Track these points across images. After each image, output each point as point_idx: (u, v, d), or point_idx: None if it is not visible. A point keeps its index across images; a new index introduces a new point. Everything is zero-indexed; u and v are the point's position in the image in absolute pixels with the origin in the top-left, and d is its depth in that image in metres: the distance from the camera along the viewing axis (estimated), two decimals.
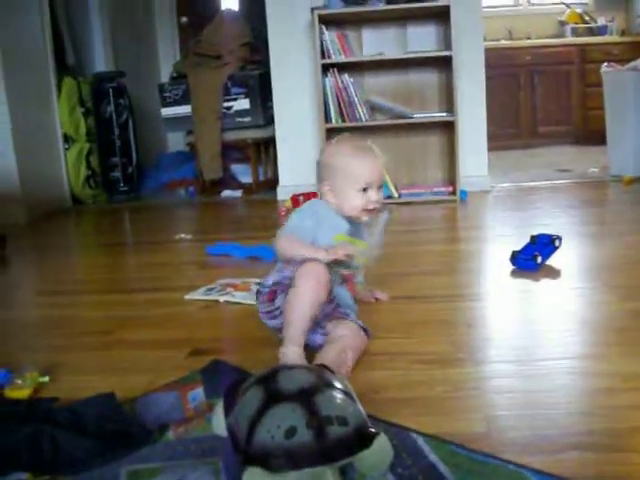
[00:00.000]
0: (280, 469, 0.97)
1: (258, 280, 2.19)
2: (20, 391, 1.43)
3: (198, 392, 1.30)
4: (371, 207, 1.67)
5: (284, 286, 1.55)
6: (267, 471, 0.97)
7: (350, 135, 1.80)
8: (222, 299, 2.07)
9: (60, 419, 1.22)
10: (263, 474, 0.97)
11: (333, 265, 1.56)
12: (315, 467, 0.97)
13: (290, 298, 1.50)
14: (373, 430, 1.02)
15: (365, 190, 1.65)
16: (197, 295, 2.15)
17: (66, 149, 4.64)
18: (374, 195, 1.66)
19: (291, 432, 0.98)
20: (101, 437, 1.18)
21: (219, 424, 1.14)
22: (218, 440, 1.14)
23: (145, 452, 1.16)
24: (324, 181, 1.68)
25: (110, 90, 4.84)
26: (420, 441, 1.13)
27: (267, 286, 1.60)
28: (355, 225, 1.71)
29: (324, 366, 1.16)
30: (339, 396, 1.04)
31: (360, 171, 1.64)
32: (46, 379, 1.51)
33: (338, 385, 1.07)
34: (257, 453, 0.99)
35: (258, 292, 1.65)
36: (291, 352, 1.44)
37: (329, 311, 1.58)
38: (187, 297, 2.15)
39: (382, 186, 1.70)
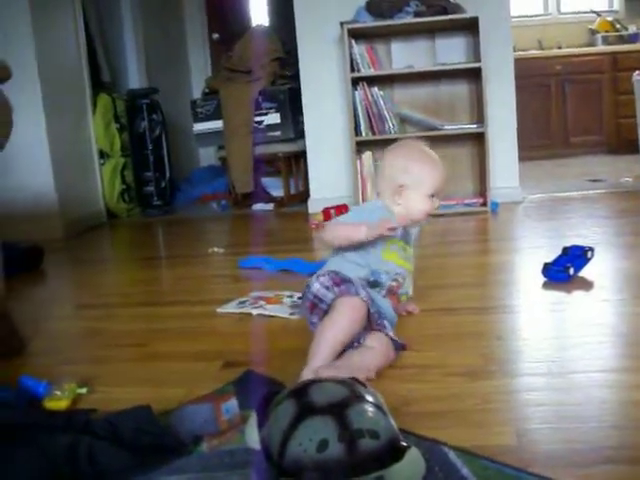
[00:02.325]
0: None
1: (289, 293, 2.23)
2: (59, 402, 1.47)
3: (232, 404, 1.32)
4: (432, 212, 1.79)
5: (321, 308, 1.61)
6: None
7: (419, 141, 1.89)
8: (255, 312, 2.10)
9: (97, 430, 1.25)
10: None
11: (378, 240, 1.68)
12: None
13: (325, 326, 1.53)
14: (405, 444, 1.03)
15: (432, 196, 1.75)
16: (230, 308, 2.18)
17: (101, 164, 4.73)
18: (437, 202, 1.78)
19: (323, 445, 0.99)
20: (137, 449, 1.20)
21: (252, 436, 1.16)
22: (251, 452, 1.16)
23: (180, 464, 1.17)
24: (396, 181, 1.75)
25: (144, 106, 4.93)
26: (452, 455, 1.13)
27: (311, 292, 1.64)
28: (406, 231, 1.83)
29: (356, 379, 1.17)
30: (371, 409, 1.06)
31: (433, 178, 1.75)
32: (84, 390, 1.54)
33: (370, 398, 1.09)
34: (289, 466, 1.01)
35: (304, 296, 1.69)
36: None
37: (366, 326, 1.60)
38: (220, 310, 2.18)
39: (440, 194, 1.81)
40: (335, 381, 1.15)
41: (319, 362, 1.46)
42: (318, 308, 1.62)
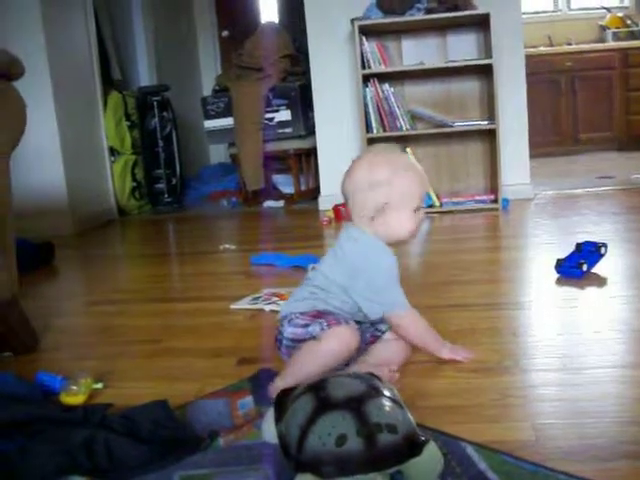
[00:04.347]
0: (331, 476, 0.99)
1: None
2: (75, 397, 1.47)
3: (247, 400, 1.32)
4: (418, 229, 1.51)
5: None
6: (318, 478, 0.99)
7: (391, 146, 1.58)
8: (268, 308, 2.10)
9: (114, 426, 1.26)
10: None
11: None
12: (365, 474, 0.98)
13: (310, 350, 1.40)
14: (423, 438, 1.03)
15: (417, 209, 1.48)
16: (243, 304, 2.19)
17: (112, 162, 4.75)
18: (422, 213, 1.50)
19: (342, 440, 0.99)
20: (154, 443, 1.21)
21: (269, 431, 1.16)
22: (267, 447, 1.17)
23: (197, 458, 1.18)
24: (378, 198, 1.45)
25: (154, 103, 4.94)
26: (469, 449, 1.13)
27: (289, 339, 1.47)
28: None
29: (373, 374, 1.17)
30: (388, 404, 1.06)
31: (416, 188, 1.46)
32: (100, 385, 1.55)
33: (387, 393, 1.09)
34: (308, 460, 1.01)
35: (279, 341, 1.52)
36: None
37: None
38: (233, 306, 2.18)
39: None
40: (352, 376, 1.15)
41: (290, 382, 1.33)
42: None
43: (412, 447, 1.01)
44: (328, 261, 1.55)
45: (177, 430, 1.26)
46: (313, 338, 1.41)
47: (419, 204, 1.48)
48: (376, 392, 1.07)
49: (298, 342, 1.44)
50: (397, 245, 1.53)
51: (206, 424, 1.28)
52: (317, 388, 1.10)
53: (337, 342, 1.39)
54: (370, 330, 1.57)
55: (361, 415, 1.01)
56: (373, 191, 1.45)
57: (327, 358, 1.39)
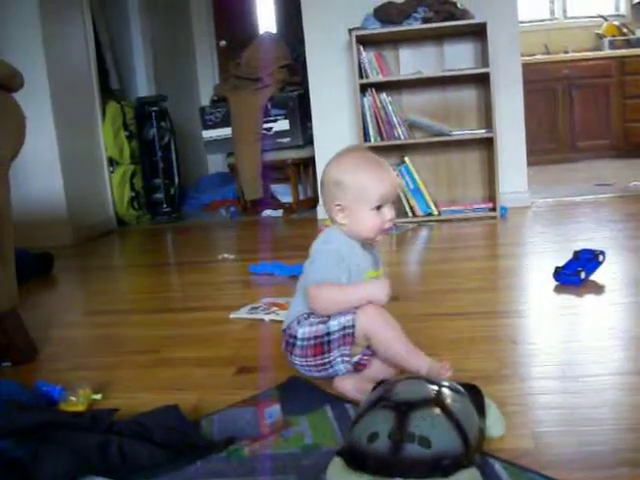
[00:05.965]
0: (355, 467, 1.02)
1: None
2: (75, 407, 1.47)
3: (275, 409, 1.31)
4: (387, 226, 1.49)
5: (343, 337, 1.43)
6: (346, 465, 1.03)
7: (357, 147, 1.65)
8: (267, 318, 2.11)
9: (124, 431, 1.25)
10: (342, 467, 1.04)
11: None
12: (384, 477, 0.99)
13: (380, 344, 1.42)
14: (461, 463, 1.00)
15: (379, 208, 1.47)
16: (242, 314, 2.18)
17: (111, 172, 4.75)
18: (389, 213, 1.48)
19: (373, 437, 1.02)
20: (166, 447, 1.21)
21: None
22: (292, 458, 1.17)
23: (220, 467, 1.17)
24: (334, 201, 1.49)
25: (153, 114, 4.95)
26: (497, 467, 1.09)
27: (304, 339, 1.47)
28: (369, 251, 1.56)
29: (474, 386, 1.20)
30: (438, 418, 1.04)
31: (373, 187, 1.45)
32: (98, 396, 1.55)
33: (451, 407, 1.06)
34: (347, 447, 1.07)
35: (290, 344, 1.50)
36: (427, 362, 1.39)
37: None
38: (232, 316, 2.18)
39: (394, 202, 1.53)
40: (432, 382, 1.14)
41: (418, 352, 1.40)
42: (336, 342, 1.44)
43: (439, 467, 0.99)
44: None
45: (189, 435, 1.26)
46: (345, 329, 1.42)
47: (379, 203, 1.47)
48: (436, 403, 1.06)
49: (317, 338, 1.46)
50: (365, 242, 1.53)
51: (232, 432, 1.27)
52: (390, 383, 1.15)
53: (382, 321, 1.42)
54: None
55: (402, 420, 1.02)
56: (335, 190, 1.49)
57: (390, 333, 1.41)
